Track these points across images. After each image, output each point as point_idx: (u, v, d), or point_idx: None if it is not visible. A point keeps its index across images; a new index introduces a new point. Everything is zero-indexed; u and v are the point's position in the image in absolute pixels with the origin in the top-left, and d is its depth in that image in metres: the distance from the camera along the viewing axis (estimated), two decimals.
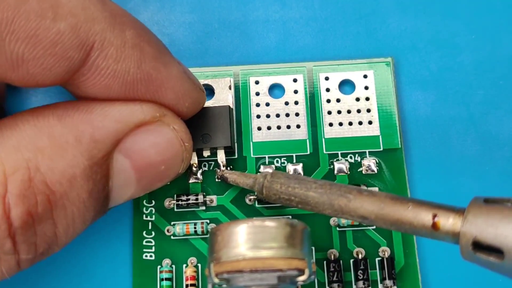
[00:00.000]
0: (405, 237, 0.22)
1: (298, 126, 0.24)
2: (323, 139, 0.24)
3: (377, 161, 0.23)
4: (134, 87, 0.18)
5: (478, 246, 0.16)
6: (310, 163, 0.23)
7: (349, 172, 0.23)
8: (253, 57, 0.25)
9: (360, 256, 0.22)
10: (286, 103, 0.24)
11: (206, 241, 0.22)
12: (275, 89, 0.24)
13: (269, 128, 0.24)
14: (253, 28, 0.25)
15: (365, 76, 0.24)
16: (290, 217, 0.23)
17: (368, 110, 0.24)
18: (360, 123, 0.24)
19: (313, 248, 0.22)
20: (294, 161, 0.23)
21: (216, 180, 0.23)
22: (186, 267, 0.22)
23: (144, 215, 0.23)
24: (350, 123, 0.24)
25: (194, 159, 0.22)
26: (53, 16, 0.16)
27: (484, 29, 0.25)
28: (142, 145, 0.19)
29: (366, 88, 0.24)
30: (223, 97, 0.24)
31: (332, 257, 0.22)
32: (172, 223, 0.22)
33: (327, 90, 0.24)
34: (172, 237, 0.22)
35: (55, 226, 0.17)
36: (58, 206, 0.17)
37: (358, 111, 0.24)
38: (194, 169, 0.23)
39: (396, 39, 0.25)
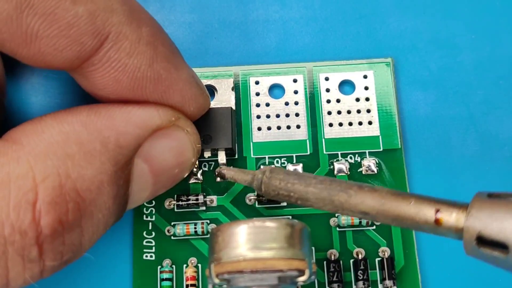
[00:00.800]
0: (405, 237, 0.22)
1: (298, 127, 0.24)
2: (323, 140, 0.24)
3: (377, 162, 0.23)
4: (142, 85, 0.18)
5: (482, 241, 0.15)
6: (310, 163, 0.23)
7: (349, 173, 0.23)
8: (253, 57, 0.25)
9: (360, 256, 0.22)
10: (286, 104, 0.24)
11: (207, 241, 0.22)
12: (275, 90, 0.24)
13: (269, 128, 0.24)
14: (253, 28, 0.25)
15: (365, 77, 0.24)
16: (291, 217, 0.23)
17: (368, 111, 0.24)
18: (360, 123, 0.24)
19: (313, 248, 0.22)
20: (294, 161, 0.23)
21: (216, 178, 0.23)
22: (186, 267, 0.22)
23: (144, 216, 0.23)
24: (350, 124, 0.24)
25: None
26: None
27: (484, 29, 0.25)
28: (160, 150, 0.19)
29: (366, 88, 0.24)
30: (226, 98, 0.24)
31: (332, 257, 0.22)
32: (172, 223, 0.22)
33: (327, 90, 0.24)
34: (172, 238, 0.22)
35: (82, 234, 0.17)
36: (86, 213, 0.17)
37: (358, 111, 0.24)
38: (194, 169, 0.23)
39: (396, 39, 0.25)
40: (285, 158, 0.23)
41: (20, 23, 0.16)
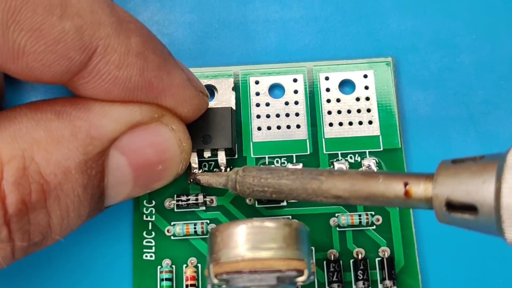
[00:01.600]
0: (405, 237, 0.22)
1: (298, 126, 0.24)
2: (323, 139, 0.24)
3: (377, 161, 0.23)
4: (134, 93, 0.18)
5: (452, 206, 0.16)
6: (310, 163, 0.23)
7: None
8: (253, 57, 0.25)
9: (360, 256, 0.22)
10: (286, 103, 0.24)
11: (206, 241, 0.22)
12: (275, 89, 0.24)
13: (269, 128, 0.24)
14: (253, 28, 0.25)
15: (365, 76, 0.24)
16: (290, 217, 0.23)
17: (368, 110, 0.24)
18: (360, 123, 0.24)
19: (313, 248, 0.22)
20: (294, 161, 0.23)
21: (189, 183, 0.23)
22: (186, 267, 0.22)
23: (144, 215, 0.23)
24: (350, 123, 0.24)
25: (195, 160, 0.22)
26: (61, 14, 0.16)
27: (484, 29, 0.25)
28: (139, 143, 0.19)
29: (366, 88, 0.24)
30: (226, 98, 0.24)
31: (332, 257, 0.22)
32: (172, 223, 0.22)
33: (327, 90, 0.24)
34: (172, 237, 0.22)
35: (49, 216, 0.17)
36: (51, 196, 0.17)
37: (358, 111, 0.24)
38: (195, 170, 0.23)
39: (396, 39, 0.25)
40: (285, 158, 0.23)
41: (7, 38, 0.16)
